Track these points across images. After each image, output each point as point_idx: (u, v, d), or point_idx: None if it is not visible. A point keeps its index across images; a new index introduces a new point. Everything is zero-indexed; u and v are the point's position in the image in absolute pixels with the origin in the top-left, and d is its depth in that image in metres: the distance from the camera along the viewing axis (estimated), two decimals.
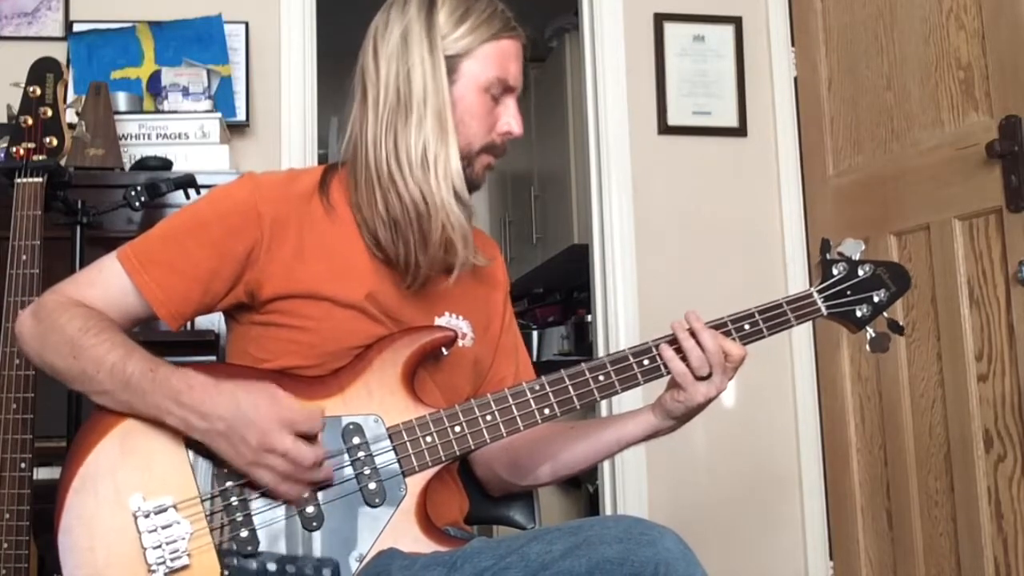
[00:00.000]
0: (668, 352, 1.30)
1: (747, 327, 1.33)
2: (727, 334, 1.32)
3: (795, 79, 2.82)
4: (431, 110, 1.29)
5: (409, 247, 1.30)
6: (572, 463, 1.41)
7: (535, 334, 4.47)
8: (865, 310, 1.38)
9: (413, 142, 1.29)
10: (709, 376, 1.29)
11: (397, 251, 1.30)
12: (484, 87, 1.32)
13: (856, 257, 1.39)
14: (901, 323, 1.41)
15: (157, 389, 1.19)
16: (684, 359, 1.29)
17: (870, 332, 1.39)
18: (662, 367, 1.30)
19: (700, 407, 1.31)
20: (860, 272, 1.38)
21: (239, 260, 1.29)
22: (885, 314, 1.39)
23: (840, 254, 1.40)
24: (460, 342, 1.38)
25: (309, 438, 1.18)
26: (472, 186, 1.36)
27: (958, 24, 2.16)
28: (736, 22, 2.84)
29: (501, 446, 1.39)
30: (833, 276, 1.38)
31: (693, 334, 1.29)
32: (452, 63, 1.31)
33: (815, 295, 1.37)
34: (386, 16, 1.35)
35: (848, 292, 1.38)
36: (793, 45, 2.82)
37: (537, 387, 1.29)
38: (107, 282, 1.29)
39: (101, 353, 1.21)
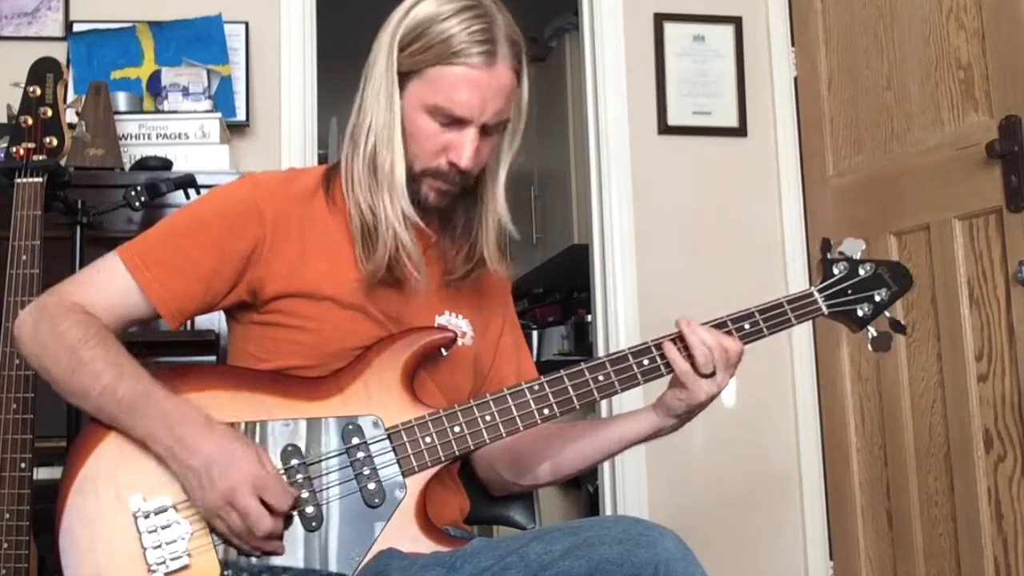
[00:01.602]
0: (672, 351, 1.29)
1: (747, 326, 1.33)
2: (727, 333, 1.32)
3: (795, 79, 2.81)
4: (381, 121, 1.28)
5: (363, 249, 1.30)
6: (573, 462, 1.40)
7: (535, 334, 4.47)
8: (866, 309, 1.38)
9: (363, 149, 1.30)
10: (712, 374, 1.28)
11: (361, 250, 1.31)
12: (428, 111, 1.27)
13: (857, 256, 1.39)
14: (903, 322, 1.41)
15: (148, 414, 1.18)
16: (688, 357, 1.29)
17: (872, 331, 1.39)
18: (662, 367, 1.30)
19: (702, 405, 1.30)
20: (861, 271, 1.38)
21: (241, 259, 1.29)
22: (887, 313, 1.39)
23: (841, 253, 1.40)
24: (460, 341, 1.38)
25: (273, 511, 1.17)
26: (423, 204, 1.32)
27: (958, 24, 2.15)
28: (736, 22, 2.84)
29: (503, 446, 1.39)
30: (834, 275, 1.38)
31: (695, 333, 1.29)
32: (402, 79, 1.28)
33: (816, 294, 1.37)
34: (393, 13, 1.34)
35: (849, 291, 1.38)
36: (793, 45, 2.82)
37: (536, 387, 1.28)
38: (108, 282, 1.29)
39: (96, 370, 1.20)
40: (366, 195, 1.29)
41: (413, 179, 1.30)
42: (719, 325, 1.32)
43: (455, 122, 1.27)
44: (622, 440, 1.37)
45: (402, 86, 1.28)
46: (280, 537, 1.18)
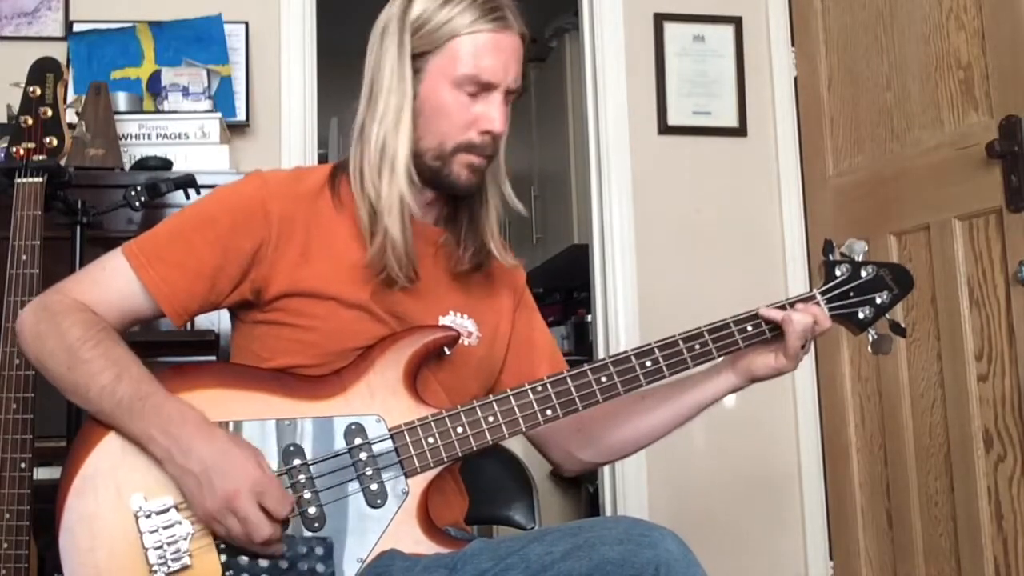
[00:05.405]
0: (774, 315, 1.33)
1: (750, 328, 1.34)
2: (730, 335, 1.33)
3: (795, 79, 2.82)
4: (392, 106, 1.29)
5: (371, 241, 1.30)
6: (652, 431, 1.43)
7: None
8: (867, 312, 1.38)
9: (375, 136, 1.30)
10: (804, 346, 1.34)
11: (370, 243, 1.31)
12: (455, 83, 1.29)
13: (859, 258, 1.39)
14: (903, 324, 1.41)
15: (146, 415, 1.18)
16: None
17: (872, 334, 1.39)
18: (664, 369, 1.31)
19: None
20: (863, 273, 1.38)
21: (246, 257, 1.29)
22: (887, 316, 1.39)
23: (843, 255, 1.39)
24: (465, 341, 1.37)
25: (272, 517, 1.16)
26: (454, 188, 1.34)
27: (958, 24, 2.16)
28: (736, 22, 2.84)
29: (571, 427, 1.41)
30: (836, 277, 1.38)
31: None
32: (420, 61, 1.30)
33: (818, 297, 1.37)
34: (386, 8, 1.35)
35: (851, 294, 1.38)
36: (793, 45, 2.82)
37: (539, 387, 1.28)
38: (112, 280, 1.28)
39: (95, 370, 1.20)
40: (376, 184, 1.30)
41: (444, 161, 1.31)
42: (722, 327, 1.33)
43: (482, 89, 1.30)
44: (699, 404, 1.41)
45: (419, 68, 1.30)
46: (279, 541, 1.18)
